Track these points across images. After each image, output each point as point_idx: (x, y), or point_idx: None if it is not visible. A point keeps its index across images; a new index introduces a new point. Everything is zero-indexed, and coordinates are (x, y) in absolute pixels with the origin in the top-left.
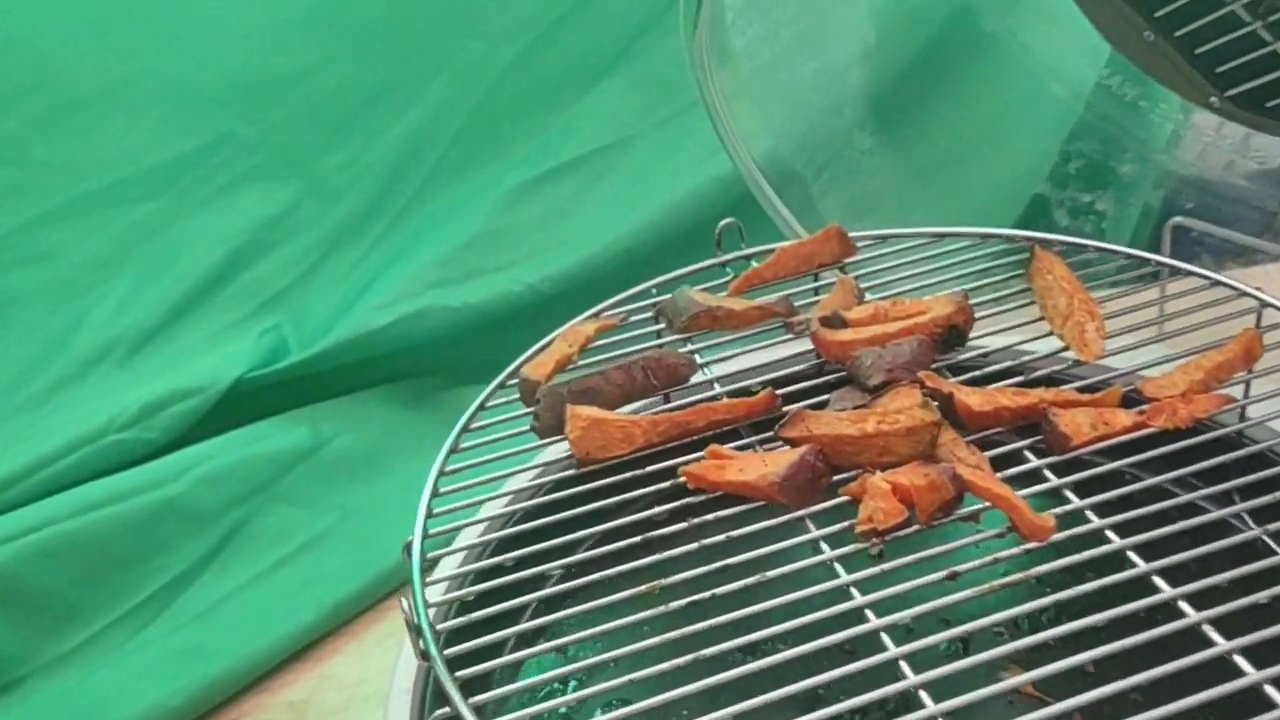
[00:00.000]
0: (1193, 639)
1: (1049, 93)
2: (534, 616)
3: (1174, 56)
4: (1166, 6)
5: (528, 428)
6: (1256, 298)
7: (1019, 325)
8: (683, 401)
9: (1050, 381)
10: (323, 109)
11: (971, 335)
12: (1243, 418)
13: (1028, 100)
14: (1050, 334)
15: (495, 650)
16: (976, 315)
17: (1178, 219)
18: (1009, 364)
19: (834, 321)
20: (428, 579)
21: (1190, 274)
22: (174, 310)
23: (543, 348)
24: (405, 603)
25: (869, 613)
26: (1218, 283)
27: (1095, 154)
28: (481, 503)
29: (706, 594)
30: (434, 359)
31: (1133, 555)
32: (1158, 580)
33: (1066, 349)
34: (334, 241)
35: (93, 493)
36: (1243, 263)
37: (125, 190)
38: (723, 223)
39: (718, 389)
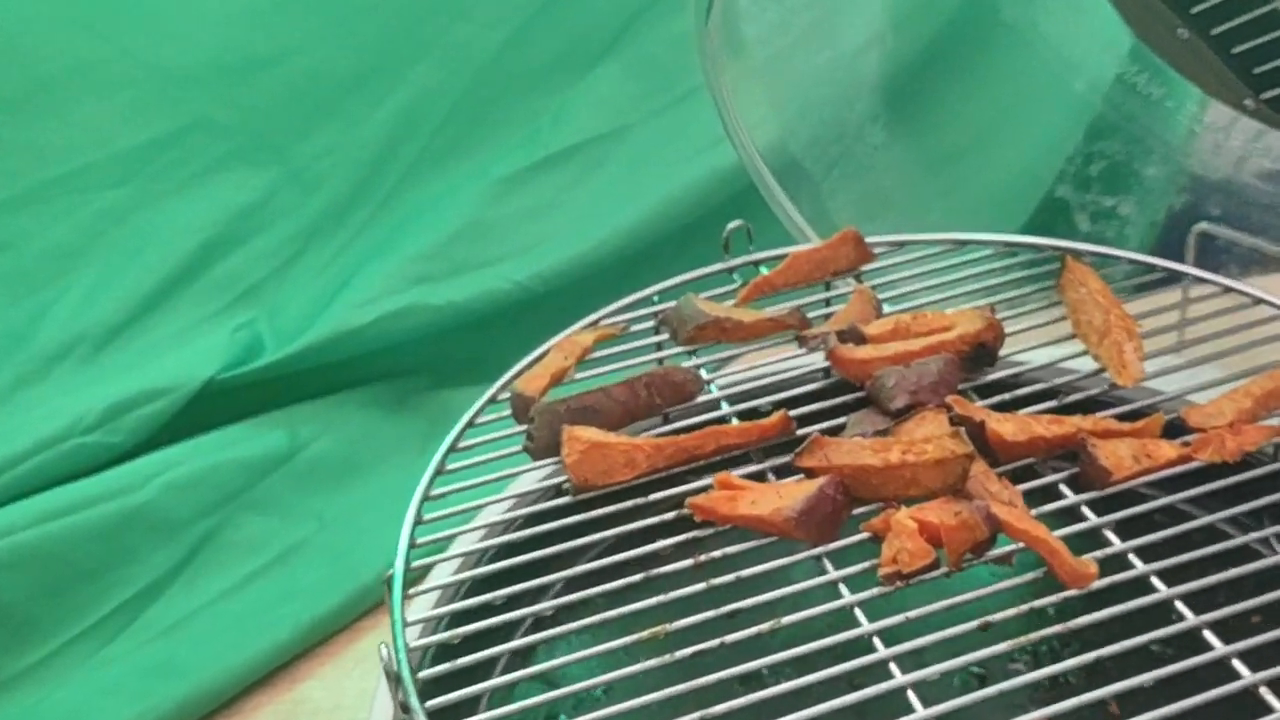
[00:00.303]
0: (1248, 701)
1: (1067, 86)
2: (525, 663)
3: (1208, 55)
4: (1204, 3)
5: (520, 448)
6: None
7: (1049, 343)
8: (688, 422)
9: (1087, 406)
10: (302, 93)
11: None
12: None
13: (1045, 94)
14: (1084, 352)
15: (482, 701)
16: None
17: (1203, 225)
18: (1041, 386)
19: (852, 336)
20: (409, 617)
21: (1230, 290)
22: (143, 304)
23: (537, 359)
24: (384, 649)
25: (894, 667)
26: (1260, 301)
27: (1118, 155)
28: (469, 532)
29: (715, 642)
30: (417, 359)
31: (1181, 606)
32: (1209, 635)
33: (1102, 370)
34: (313, 232)
35: (54, 500)
36: (1272, 269)
37: (93, 176)
38: (730, 225)
39: (726, 408)
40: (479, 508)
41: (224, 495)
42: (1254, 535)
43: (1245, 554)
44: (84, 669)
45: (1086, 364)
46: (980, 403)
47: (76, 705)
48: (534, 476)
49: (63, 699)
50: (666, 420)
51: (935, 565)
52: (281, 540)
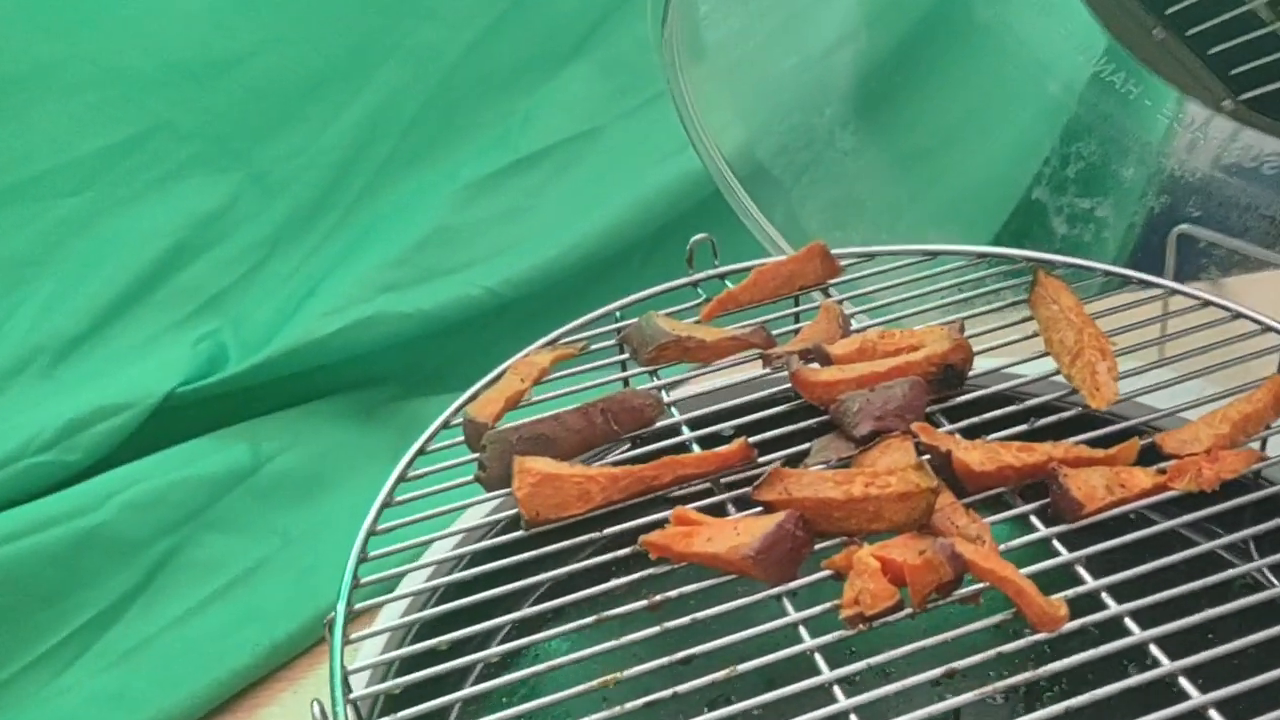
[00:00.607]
0: None
1: (1042, 87)
2: (478, 713)
3: (1185, 56)
4: (1179, 3)
5: (473, 477)
6: None
7: (1024, 360)
8: (646, 449)
9: (1062, 427)
10: (265, 95)
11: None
12: (1259, 480)
13: (1019, 95)
14: (1058, 371)
15: None
16: (972, 339)
17: (1183, 227)
18: (1012, 409)
19: (817, 356)
20: (354, 664)
21: (1210, 304)
22: (102, 315)
23: (492, 381)
24: (317, 706)
25: (854, 719)
26: (1239, 315)
27: (1095, 156)
28: (416, 570)
29: (667, 693)
30: (385, 368)
31: (1155, 651)
32: (1185, 683)
33: (1075, 391)
34: (277, 239)
35: (6, 523)
36: (1254, 269)
37: (50, 183)
38: (695, 238)
39: (687, 433)
40: (426, 543)
41: (184, 513)
42: (1236, 570)
43: (1226, 590)
44: (37, 699)
45: (1059, 380)
46: (949, 426)
47: None
48: (487, 508)
49: None
50: (635, 444)
51: (899, 606)
52: (243, 559)
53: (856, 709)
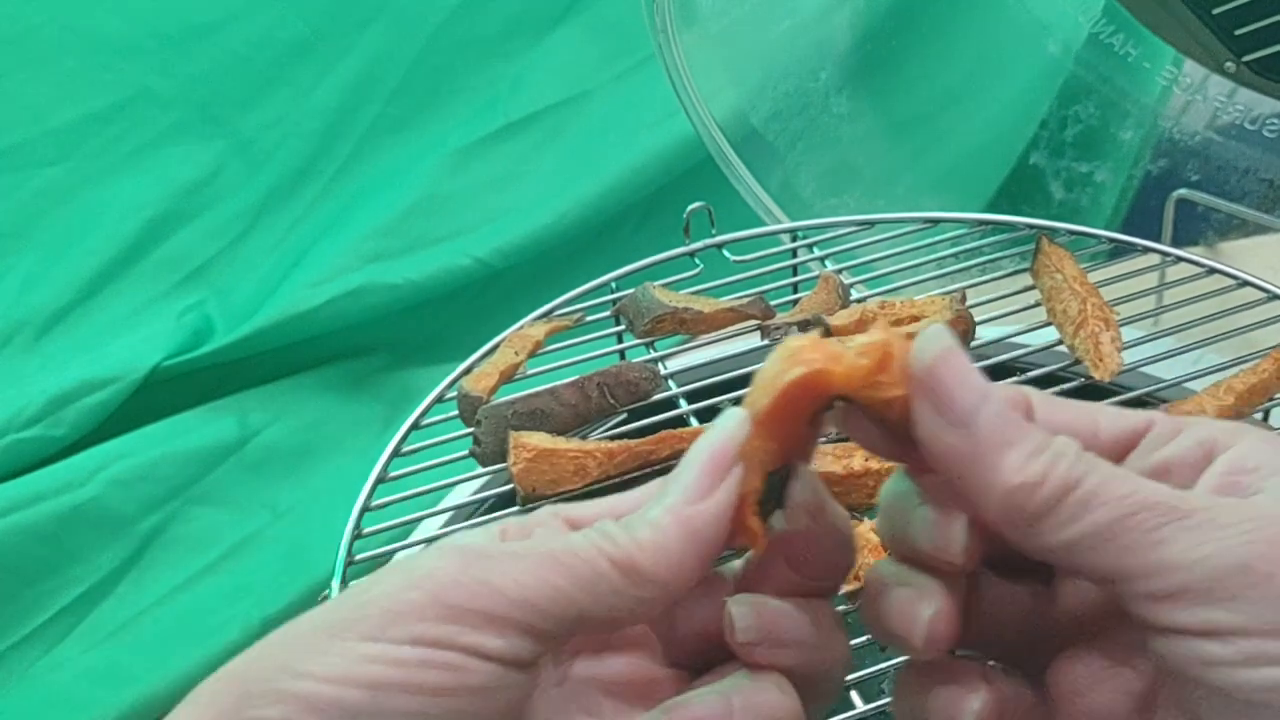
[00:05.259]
0: None
1: (1040, 47)
2: None
3: (1187, 17)
4: None
5: (468, 452)
6: None
7: (1024, 331)
8: (643, 423)
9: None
10: (247, 61)
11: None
12: None
13: (1017, 56)
14: (1060, 341)
15: None
16: (973, 308)
17: (1182, 191)
18: (1013, 380)
19: (816, 327)
20: None
21: (1215, 271)
22: (85, 288)
23: (486, 353)
24: None
25: (854, 695)
26: (1246, 283)
27: (1093, 119)
28: (409, 547)
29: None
30: (374, 339)
31: None
32: None
33: (1077, 362)
34: (262, 208)
35: None
36: (1252, 233)
37: (28, 153)
38: (691, 207)
39: (684, 406)
40: (422, 519)
41: (172, 488)
42: None
43: None
44: (27, 676)
45: (1064, 350)
46: None
47: (20, 714)
48: (483, 483)
49: (5, 708)
50: (632, 417)
51: None
52: (232, 534)
53: (856, 684)
